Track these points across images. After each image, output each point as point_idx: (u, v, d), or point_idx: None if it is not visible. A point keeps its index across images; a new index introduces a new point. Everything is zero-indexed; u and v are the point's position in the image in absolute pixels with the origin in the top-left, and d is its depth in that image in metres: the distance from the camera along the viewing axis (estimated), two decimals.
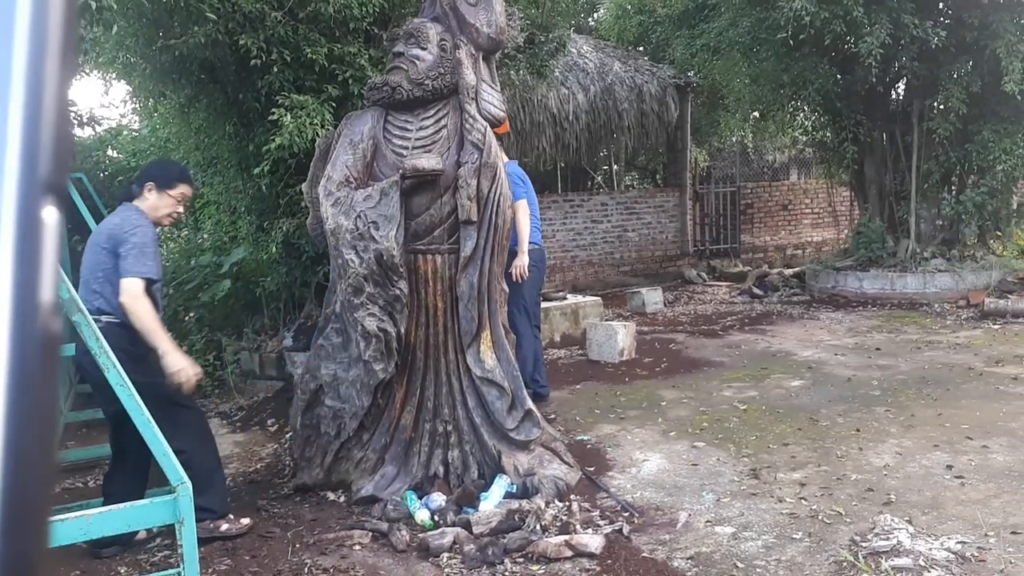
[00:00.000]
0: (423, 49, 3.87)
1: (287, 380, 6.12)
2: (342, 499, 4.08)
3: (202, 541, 3.17)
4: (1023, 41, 7.48)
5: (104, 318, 3.31)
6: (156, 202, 3.64)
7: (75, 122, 6.34)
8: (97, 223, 5.77)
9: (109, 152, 9.95)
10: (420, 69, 3.84)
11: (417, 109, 3.91)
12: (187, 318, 6.88)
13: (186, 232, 8.29)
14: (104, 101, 23.46)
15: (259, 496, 4.28)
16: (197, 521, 3.20)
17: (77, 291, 3.31)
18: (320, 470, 4.15)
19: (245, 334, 6.68)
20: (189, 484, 2.06)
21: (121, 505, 2.08)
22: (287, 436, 5.21)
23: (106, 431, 5.75)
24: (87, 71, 6.96)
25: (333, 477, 4.11)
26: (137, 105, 7.86)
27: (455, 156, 3.82)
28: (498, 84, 4.02)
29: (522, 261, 5.30)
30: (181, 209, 3.81)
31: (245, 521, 3.71)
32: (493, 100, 3.85)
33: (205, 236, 7.68)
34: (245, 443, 5.34)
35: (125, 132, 9.41)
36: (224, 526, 3.55)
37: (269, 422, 5.71)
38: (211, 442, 3.69)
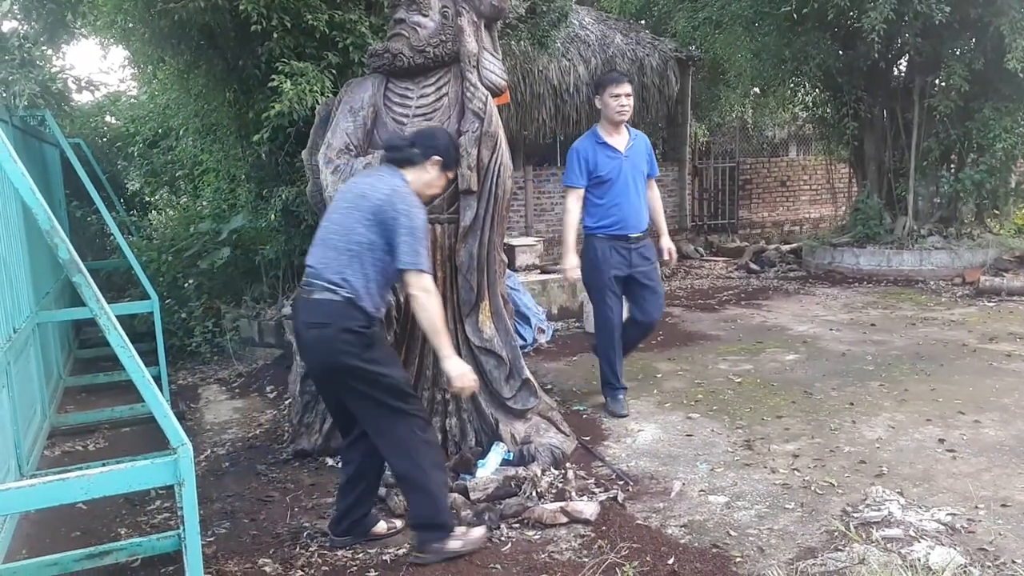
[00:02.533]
0: (425, 16, 3.84)
1: (286, 348, 6.15)
2: (340, 464, 4.12)
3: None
4: None
5: (342, 292, 2.91)
6: (433, 180, 3.20)
7: (73, 87, 6.28)
8: (97, 190, 5.78)
9: (107, 118, 9.92)
10: (421, 36, 3.81)
11: (418, 77, 3.89)
12: (186, 285, 6.89)
13: (185, 199, 8.28)
14: (103, 66, 23.27)
15: (258, 461, 4.32)
16: (420, 543, 3.04)
17: (315, 249, 3.04)
18: (319, 436, 4.19)
19: (244, 302, 6.70)
20: (189, 446, 2.08)
21: (122, 465, 2.10)
22: (286, 403, 5.25)
23: (104, 395, 5.84)
24: (84, 34, 6.92)
25: (332, 443, 4.15)
26: (136, 70, 7.81)
27: (456, 125, 3.81)
28: (500, 53, 4.00)
29: (572, 262, 4.76)
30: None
31: (477, 533, 3.18)
32: (495, 69, 3.83)
33: (204, 203, 7.67)
34: (244, 409, 5.38)
35: (123, 98, 9.36)
36: (451, 544, 3.06)
37: (268, 388, 5.75)
38: (430, 452, 3.11)
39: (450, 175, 3.33)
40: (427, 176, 3.17)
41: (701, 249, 12.57)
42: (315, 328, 2.94)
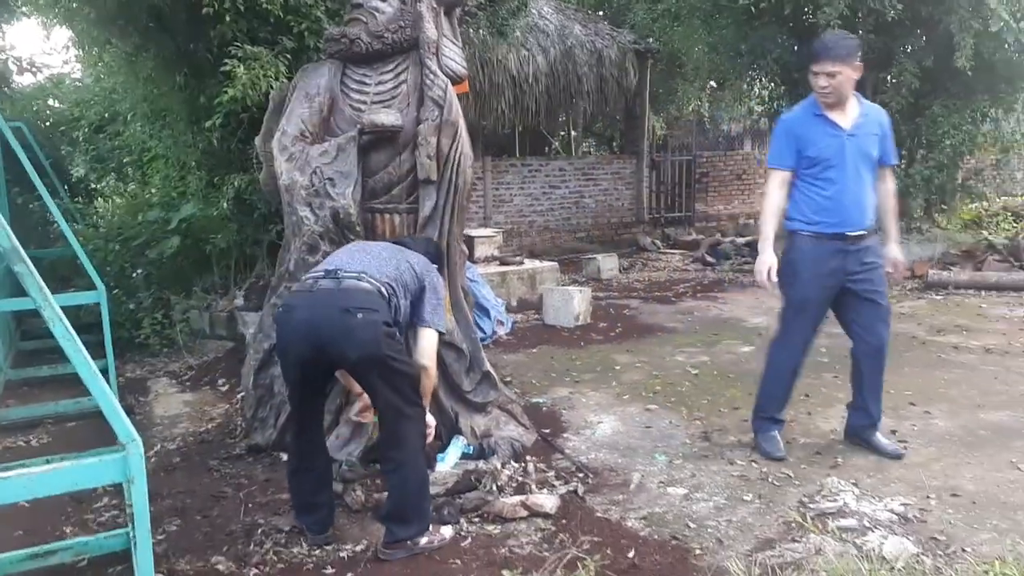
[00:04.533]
0: (383, 1, 3.76)
1: (238, 340, 6.01)
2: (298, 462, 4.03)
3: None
4: (975, 17, 7.59)
5: (381, 288, 2.97)
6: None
7: (14, 68, 6.03)
8: (39, 176, 5.56)
9: (50, 101, 9.57)
10: (380, 21, 3.73)
11: (376, 63, 3.80)
12: (134, 275, 6.69)
13: (133, 186, 8.03)
14: (45, 47, 22.48)
15: (211, 456, 4.21)
16: (391, 539, 2.98)
17: (344, 255, 3.13)
18: (273, 431, 4.09)
19: (195, 292, 6.53)
20: (139, 441, 2.00)
21: (67, 463, 2.01)
22: (238, 396, 5.12)
23: (47, 388, 5.63)
24: (26, 13, 6.64)
25: (286, 438, 4.05)
26: (80, 52, 7.53)
27: (415, 112, 3.73)
28: (460, 40, 3.93)
29: (767, 260, 3.78)
30: None
31: (447, 532, 3.17)
32: (455, 56, 3.76)
33: (153, 191, 7.45)
34: (195, 403, 5.24)
35: (67, 81, 9.03)
36: (423, 540, 3.05)
37: (220, 382, 5.61)
38: (425, 447, 3.17)
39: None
40: None
41: (658, 242, 12.68)
42: (360, 313, 2.83)
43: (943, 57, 8.09)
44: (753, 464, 3.86)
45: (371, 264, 3.06)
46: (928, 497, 3.42)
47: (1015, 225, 10.15)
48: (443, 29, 3.81)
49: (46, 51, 22.70)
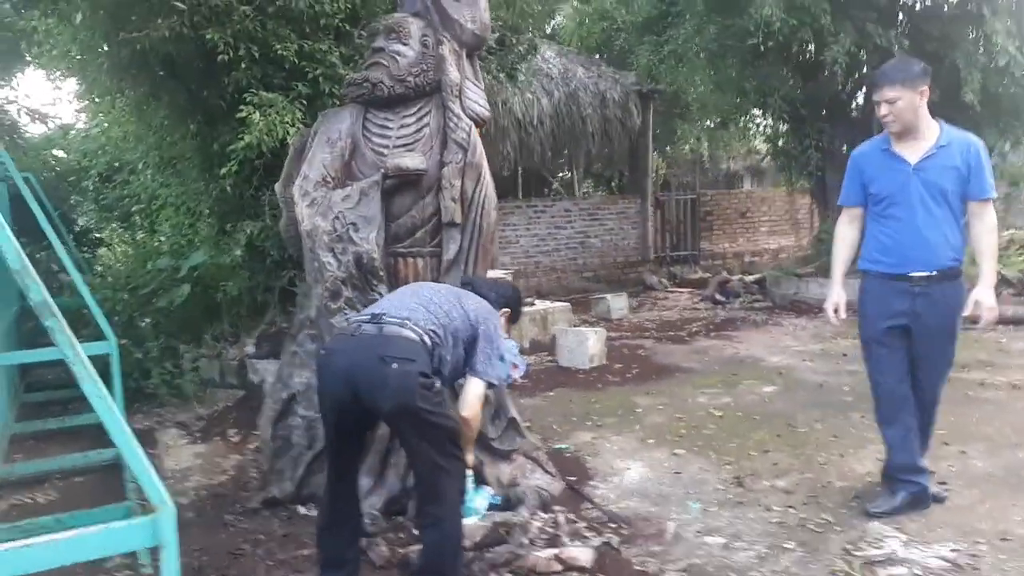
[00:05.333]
0: (404, 44, 3.72)
1: (249, 389, 5.88)
2: (314, 513, 3.89)
3: None
4: (981, 53, 7.63)
5: (424, 337, 2.87)
6: (501, 328, 3.34)
7: (26, 119, 6.02)
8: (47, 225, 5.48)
9: (56, 152, 9.58)
10: (402, 65, 3.69)
11: (398, 107, 3.76)
12: (143, 324, 6.58)
13: (142, 234, 7.98)
14: (52, 98, 22.58)
15: (225, 511, 4.05)
16: None
17: (388, 302, 3.04)
18: (291, 483, 3.96)
19: (205, 341, 6.42)
20: (171, 505, 1.88)
21: (95, 527, 1.89)
22: (251, 447, 4.99)
23: (53, 441, 5.49)
24: (38, 64, 6.65)
25: (304, 491, 3.92)
26: (88, 103, 7.54)
27: (438, 156, 3.68)
28: (482, 82, 3.90)
29: (992, 300, 3.45)
30: None
31: None
32: (478, 98, 3.72)
33: (163, 239, 7.38)
34: (207, 455, 5.10)
35: (73, 132, 9.04)
36: None
37: (231, 432, 5.47)
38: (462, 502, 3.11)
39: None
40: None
41: (664, 280, 12.61)
42: (395, 363, 2.72)
43: (950, 91, 8.10)
44: (791, 510, 3.73)
45: (418, 310, 2.96)
46: (978, 542, 3.29)
47: None
48: (465, 72, 3.77)
49: (48, 103, 22.89)
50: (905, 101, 3.37)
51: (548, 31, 15.77)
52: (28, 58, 6.81)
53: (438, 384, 2.85)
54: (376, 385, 2.72)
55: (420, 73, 3.69)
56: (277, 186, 3.91)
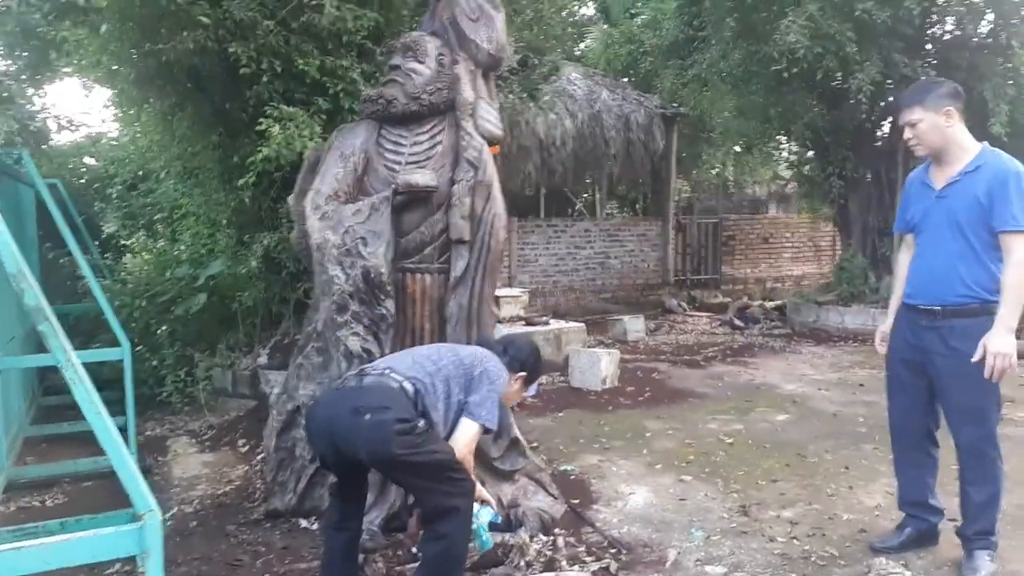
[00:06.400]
0: (421, 63, 3.76)
1: (260, 399, 5.91)
2: (315, 526, 3.89)
3: None
4: (1010, 84, 7.54)
5: (404, 383, 2.86)
6: (512, 392, 3.27)
7: (53, 126, 6.14)
8: (72, 232, 5.59)
9: (87, 159, 9.76)
10: (417, 83, 3.72)
11: (412, 124, 3.79)
12: (159, 331, 6.66)
13: (163, 243, 8.09)
14: (84, 107, 23.06)
15: (228, 521, 4.07)
16: None
17: (382, 360, 3.09)
18: (293, 495, 3.96)
19: (219, 350, 6.48)
20: (158, 512, 1.89)
21: (79, 534, 1.91)
22: (258, 458, 5.01)
23: (67, 445, 5.55)
24: (68, 73, 6.80)
25: (306, 503, 3.93)
26: (119, 111, 7.68)
27: (449, 173, 3.70)
28: (496, 102, 3.92)
29: (1003, 344, 3.05)
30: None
31: None
32: (491, 118, 3.74)
33: (182, 248, 7.48)
34: (215, 464, 5.13)
35: (103, 140, 9.21)
36: None
37: (240, 442, 5.50)
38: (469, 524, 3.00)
39: (528, 393, 3.41)
40: (510, 388, 3.20)
41: (684, 304, 12.54)
42: (368, 413, 2.71)
43: (979, 122, 8.00)
44: (795, 541, 3.66)
45: (404, 361, 2.99)
46: None
47: None
48: (480, 91, 3.80)
49: (84, 111, 23.40)
50: (928, 123, 3.20)
51: (577, 53, 15.89)
52: (60, 67, 6.96)
53: (421, 424, 2.79)
54: (350, 437, 2.74)
55: (435, 91, 3.72)
56: (290, 199, 3.95)
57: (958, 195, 3.21)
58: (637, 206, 15.95)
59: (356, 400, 2.79)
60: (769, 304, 11.50)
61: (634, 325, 9.87)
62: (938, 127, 3.20)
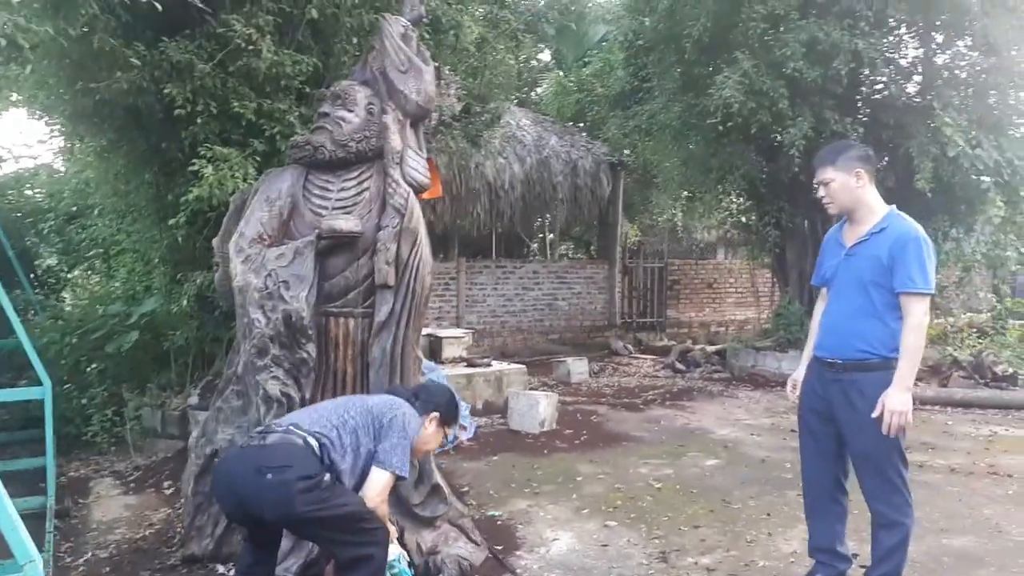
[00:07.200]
0: (350, 111, 3.83)
1: (188, 440, 5.82)
2: (232, 572, 3.83)
3: None
4: (933, 143, 7.89)
5: (308, 439, 2.88)
6: (430, 436, 3.29)
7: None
8: (5, 264, 5.49)
9: (26, 191, 9.59)
10: (345, 131, 3.79)
11: (339, 170, 3.84)
12: (89, 369, 6.53)
13: (98, 279, 7.96)
14: (25, 139, 22.58)
15: (143, 566, 3.99)
16: None
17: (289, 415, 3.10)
18: (211, 541, 3.90)
19: (149, 389, 6.37)
20: (39, 561, 1.87)
21: None
22: (182, 501, 4.91)
23: (21, 482, 5.37)
24: (15, 103, 6.71)
25: (224, 549, 3.87)
26: (61, 143, 7.60)
27: (376, 219, 3.75)
28: (425, 151, 3.99)
29: (899, 403, 3.18)
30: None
31: None
32: (418, 167, 3.81)
33: (118, 284, 7.37)
34: (137, 506, 5.02)
35: (40, 173, 9.08)
36: None
37: (166, 484, 5.40)
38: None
39: (448, 431, 3.42)
40: (424, 431, 3.23)
41: (630, 346, 12.68)
42: (270, 472, 2.73)
43: (904, 178, 8.35)
44: None
45: (308, 416, 3.01)
46: None
47: (979, 342, 10.26)
48: (408, 140, 3.87)
49: (26, 142, 22.89)
50: (839, 183, 3.33)
51: (534, 98, 16.19)
52: (7, 96, 6.87)
53: (327, 478, 2.81)
54: (255, 497, 2.76)
55: (363, 139, 3.78)
56: (215, 241, 3.96)
57: (864, 254, 3.33)
58: (592, 248, 16.19)
59: (258, 460, 2.79)
60: (710, 348, 11.69)
61: (578, 367, 9.95)
62: (848, 187, 3.34)
